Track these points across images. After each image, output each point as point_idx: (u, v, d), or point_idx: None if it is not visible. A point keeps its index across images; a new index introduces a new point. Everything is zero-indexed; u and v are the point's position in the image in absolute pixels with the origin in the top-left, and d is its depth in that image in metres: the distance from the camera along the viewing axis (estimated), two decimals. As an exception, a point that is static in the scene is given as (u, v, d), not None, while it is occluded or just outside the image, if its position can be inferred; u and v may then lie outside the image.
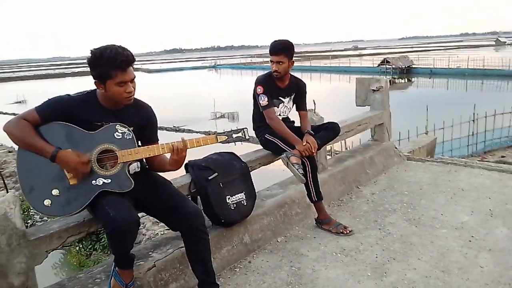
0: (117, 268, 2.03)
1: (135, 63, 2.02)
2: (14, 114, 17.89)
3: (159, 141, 2.19)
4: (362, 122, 4.36)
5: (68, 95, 2.01)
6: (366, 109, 4.77)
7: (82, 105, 1.98)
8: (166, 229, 6.28)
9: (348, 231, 2.94)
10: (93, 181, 1.93)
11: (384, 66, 38.23)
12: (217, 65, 68.32)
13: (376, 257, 2.61)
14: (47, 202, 1.87)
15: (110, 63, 1.87)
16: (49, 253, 1.99)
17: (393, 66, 37.46)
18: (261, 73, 3.40)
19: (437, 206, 3.38)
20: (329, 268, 2.51)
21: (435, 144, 8.16)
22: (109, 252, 6.11)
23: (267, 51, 3.22)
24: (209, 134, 2.18)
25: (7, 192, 1.90)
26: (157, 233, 6.37)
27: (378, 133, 4.77)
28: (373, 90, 4.65)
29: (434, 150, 7.94)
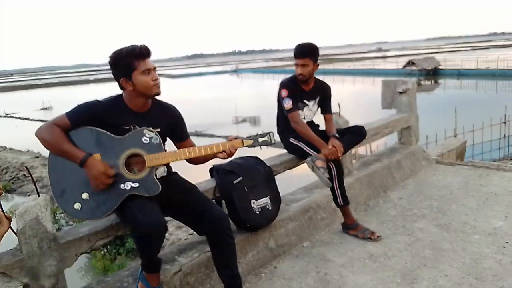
0: (144, 271, 2.04)
1: (157, 68, 2.07)
2: (40, 120, 18.43)
3: (190, 138, 2.27)
4: (389, 125, 4.28)
5: (97, 100, 2.05)
6: (392, 112, 4.68)
7: (110, 110, 2.01)
8: (190, 234, 6.34)
9: (375, 237, 2.88)
10: (122, 185, 1.95)
11: (410, 67, 37.54)
12: (238, 69, 68.69)
13: (406, 263, 2.54)
14: (77, 205, 1.91)
15: (131, 54, 1.95)
16: (79, 256, 2.02)
17: (419, 67, 36.71)
18: (282, 76, 3.38)
19: (468, 211, 3.27)
20: (356, 274, 2.46)
21: (465, 147, 7.92)
22: (133, 256, 6.19)
23: (289, 54, 3.21)
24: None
25: (38, 196, 1.94)
26: (180, 238, 6.42)
27: (405, 136, 4.66)
28: (399, 92, 4.56)
29: (464, 154, 7.71)
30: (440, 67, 37.85)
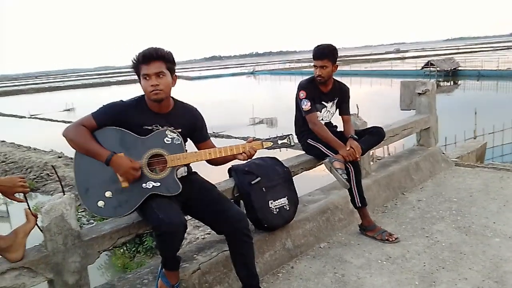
0: (164, 269, 2.08)
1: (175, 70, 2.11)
2: (63, 121, 18.83)
3: (210, 139, 2.31)
4: (408, 126, 4.24)
5: (121, 100, 2.11)
6: (410, 113, 4.64)
7: (134, 110, 2.07)
8: (207, 233, 6.39)
9: (393, 238, 2.86)
10: (143, 184, 2.00)
11: (428, 68, 36.94)
12: (256, 71, 68.77)
13: (424, 265, 2.52)
14: (100, 203, 1.96)
15: (138, 58, 2.01)
16: (101, 253, 2.08)
17: (438, 68, 36.09)
18: (299, 78, 3.39)
19: (488, 214, 3.22)
20: (374, 276, 2.45)
21: (485, 149, 7.77)
22: (151, 255, 6.28)
23: (306, 56, 3.23)
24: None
25: (64, 194, 2.00)
26: (198, 237, 6.47)
27: (424, 138, 4.61)
28: (418, 93, 4.52)
29: (484, 156, 7.56)
30: (459, 68, 37.12)
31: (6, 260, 1.81)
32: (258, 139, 2.21)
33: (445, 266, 2.50)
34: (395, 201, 3.62)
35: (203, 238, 5.31)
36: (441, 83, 33.44)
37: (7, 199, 1.89)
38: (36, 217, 1.93)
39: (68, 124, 2.07)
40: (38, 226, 1.94)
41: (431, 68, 36.64)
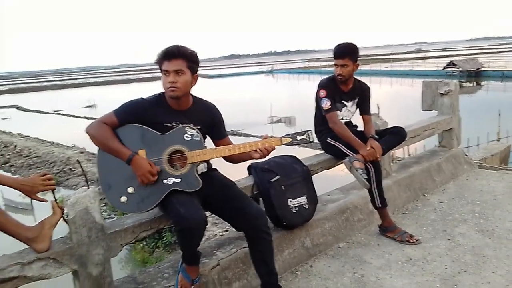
0: (184, 264, 2.11)
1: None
2: (85, 117, 19.20)
3: (228, 136, 2.32)
4: (429, 127, 4.18)
5: (142, 98, 2.14)
6: (432, 114, 4.56)
7: (154, 107, 2.10)
8: (225, 230, 6.43)
9: (414, 240, 2.82)
10: (164, 180, 2.03)
11: (451, 69, 36.19)
12: (274, 70, 68.66)
13: (446, 268, 2.49)
14: (123, 199, 2.01)
15: (160, 54, 2.05)
16: (124, 246, 2.12)
17: (461, 69, 35.33)
18: (318, 77, 3.38)
19: (513, 217, 3.14)
20: (394, 277, 2.43)
21: (509, 152, 7.58)
22: (170, 250, 6.36)
23: (324, 55, 3.21)
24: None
25: (88, 188, 2.05)
26: (216, 234, 6.52)
27: (446, 139, 4.53)
28: (441, 93, 4.44)
29: (508, 158, 7.38)
30: (483, 69, 36.25)
31: (33, 250, 1.87)
32: (272, 137, 2.21)
33: (467, 270, 2.46)
34: (416, 202, 3.57)
35: (221, 235, 5.34)
36: (464, 84, 32.72)
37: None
38: (62, 209, 1.98)
39: (91, 121, 2.12)
40: (64, 219, 1.99)
41: (454, 69, 35.90)
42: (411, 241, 2.82)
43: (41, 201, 1.93)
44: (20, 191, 1.85)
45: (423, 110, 4.69)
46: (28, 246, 1.89)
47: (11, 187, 1.84)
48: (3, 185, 1.83)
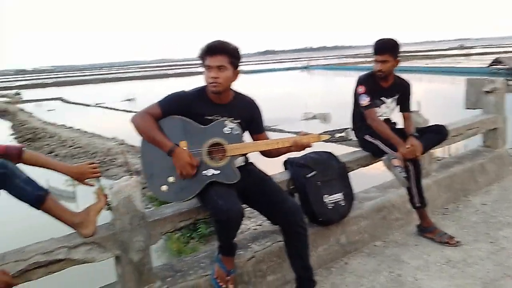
0: (220, 254, 2.15)
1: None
2: (125, 110, 19.78)
3: (265, 132, 2.33)
4: (473, 126, 4.02)
5: (184, 90, 2.20)
6: (475, 113, 4.38)
7: (196, 100, 2.15)
8: (258, 224, 6.46)
9: (454, 242, 2.74)
10: (204, 172, 2.08)
11: (496, 66, 34.54)
12: (310, 66, 68.02)
13: (488, 272, 2.40)
14: (164, 188, 2.07)
15: (203, 49, 2.08)
16: (163, 235, 2.18)
17: (507, 66, 33.67)
18: (355, 74, 3.33)
19: None
20: (432, 279, 2.37)
21: (559, 154, 7.15)
22: (204, 242, 6.46)
23: (362, 51, 3.14)
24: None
25: (131, 177, 2.13)
26: (249, 228, 6.56)
27: (490, 139, 4.34)
28: (486, 92, 4.25)
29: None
30: (533, 66, 34.33)
31: (79, 235, 1.96)
32: (307, 134, 2.20)
33: (511, 274, 2.36)
34: (457, 203, 3.46)
35: (254, 229, 5.39)
36: (510, 82, 31.15)
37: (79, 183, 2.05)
38: (106, 197, 2.07)
39: (130, 114, 2.19)
40: (108, 206, 2.07)
41: (499, 66, 34.23)
42: (451, 242, 2.74)
43: (90, 185, 2.05)
44: (70, 176, 1.98)
45: (466, 108, 4.51)
46: (74, 231, 1.98)
47: (62, 173, 1.96)
48: (55, 170, 1.94)
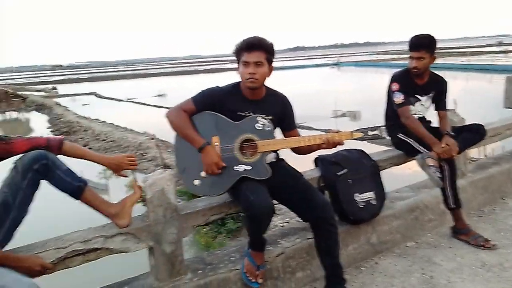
0: (250, 249, 2.18)
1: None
2: (156, 105, 20.14)
3: (297, 128, 2.34)
4: (513, 126, 3.87)
5: (218, 86, 2.23)
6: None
7: (229, 96, 2.18)
8: (285, 222, 6.45)
9: (490, 245, 2.66)
10: (235, 167, 2.10)
11: (537, 64, 32.96)
12: (340, 62, 67.03)
13: (526, 277, 2.32)
14: (196, 182, 2.12)
15: (240, 44, 2.10)
16: (195, 228, 2.23)
17: (549, 64, 32.07)
18: (387, 71, 3.27)
19: None
20: (466, 282, 2.31)
21: None
22: (232, 237, 6.52)
23: (394, 47, 3.07)
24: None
25: (165, 170, 2.18)
26: (277, 224, 6.57)
27: (531, 140, 4.17)
28: (527, 90, 4.08)
29: None
30: None
31: (115, 225, 2.03)
32: (339, 131, 2.18)
33: (551, 281, 2.27)
34: (494, 205, 3.35)
35: (282, 226, 5.39)
36: (553, 81, 29.60)
37: (115, 175, 2.11)
38: (141, 189, 2.13)
39: (162, 109, 2.24)
40: (142, 198, 2.13)
41: (542, 63, 32.64)
42: (487, 245, 2.66)
43: (124, 177, 2.12)
44: (108, 167, 2.05)
45: (505, 107, 4.37)
46: (111, 221, 2.05)
47: (101, 163, 2.03)
48: (94, 161, 2.01)
